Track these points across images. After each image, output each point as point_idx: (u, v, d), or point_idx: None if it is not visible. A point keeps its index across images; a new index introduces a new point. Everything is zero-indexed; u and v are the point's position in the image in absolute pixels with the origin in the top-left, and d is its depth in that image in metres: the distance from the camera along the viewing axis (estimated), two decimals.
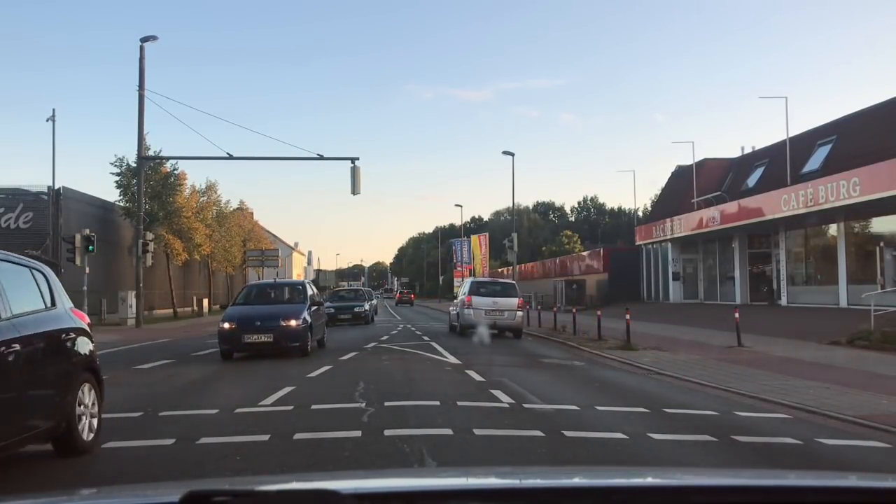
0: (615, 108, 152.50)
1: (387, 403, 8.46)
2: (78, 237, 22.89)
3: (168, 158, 34.19)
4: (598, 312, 20.07)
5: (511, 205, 46.99)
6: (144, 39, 28.14)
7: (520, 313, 21.05)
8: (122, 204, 34.21)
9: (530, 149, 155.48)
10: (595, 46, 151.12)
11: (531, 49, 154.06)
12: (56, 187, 31.27)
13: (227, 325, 14.66)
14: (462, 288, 24.12)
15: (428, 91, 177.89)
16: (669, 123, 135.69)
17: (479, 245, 68.56)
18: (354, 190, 27.06)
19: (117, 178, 33.84)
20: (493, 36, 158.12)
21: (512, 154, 38.12)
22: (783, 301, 28.54)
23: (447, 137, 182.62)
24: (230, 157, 27.67)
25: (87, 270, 23.26)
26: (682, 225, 34.87)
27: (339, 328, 25.56)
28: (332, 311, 26.25)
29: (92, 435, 6.15)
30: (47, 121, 32.83)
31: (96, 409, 6.33)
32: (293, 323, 14.70)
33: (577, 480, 2.17)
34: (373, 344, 18.25)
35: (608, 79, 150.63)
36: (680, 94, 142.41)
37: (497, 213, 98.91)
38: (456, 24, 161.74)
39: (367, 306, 30.25)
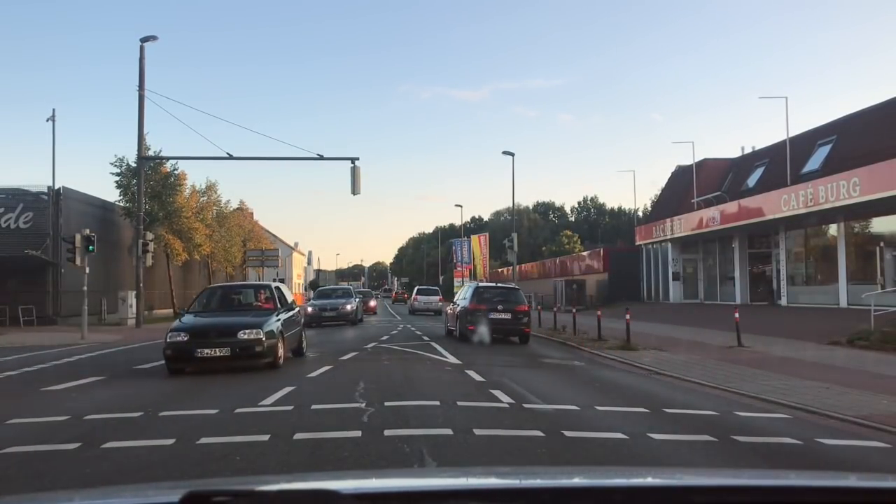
0: (614, 109, 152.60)
1: (387, 403, 8.46)
2: (78, 237, 22.85)
3: (168, 158, 34.20)
4: (598, 312, 20.08)
5: (511, 205, 47.02)
6: (144, 39, 28.14)
7: (440, 303, 38.51)
8: (122, 204, 34.22)
9: (530, 149, 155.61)
10: (593, 47, 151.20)
11: (528, 49, 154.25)
12: (56, 187, 31.30)
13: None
14: (413, 292, 46.26)
15: (425, 91, 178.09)
16: (669, 123, 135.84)
17: (479, 245, 68.57)
18: (354, 190, 27.06)
19: (117, 178, 33.85)
20: (489, 36, 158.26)
21: (512, 154, 38.12)
22: (783, 301, 28.54)
23: (447, 137, 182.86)
24: (230, 157, 27.67)
25: (87, 270, 23.23)
26: (682, 225, 34.87)
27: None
28: (184, 338, 12.33)
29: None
30: (47, 121, 32.88)
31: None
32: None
33: (577, 480, 2.17)
34: (373, 344, 18.26)
35: (607, 79, 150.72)
36: (679, 94, 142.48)
37: (497, 213, 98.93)
38: (452, 24, 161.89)
39: (271, 326, 12.93)
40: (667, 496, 1.78)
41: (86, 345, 19.50)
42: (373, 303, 41.89)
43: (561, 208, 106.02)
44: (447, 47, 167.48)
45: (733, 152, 39.64)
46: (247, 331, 12.35)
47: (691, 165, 36.50)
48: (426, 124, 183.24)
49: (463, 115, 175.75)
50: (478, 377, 11.34)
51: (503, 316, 19.07)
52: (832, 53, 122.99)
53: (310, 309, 26.95)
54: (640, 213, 58.03)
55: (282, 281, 68.87)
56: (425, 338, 20.42)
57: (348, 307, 28.05)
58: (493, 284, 24.74)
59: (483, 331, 18.53)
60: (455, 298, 22.60)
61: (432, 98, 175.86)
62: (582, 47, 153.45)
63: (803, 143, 29.29)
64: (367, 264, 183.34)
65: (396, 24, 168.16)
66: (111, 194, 36.96)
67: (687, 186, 36.98)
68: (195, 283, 47.32)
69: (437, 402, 8.57)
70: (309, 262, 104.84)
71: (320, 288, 32.08)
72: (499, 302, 19.44)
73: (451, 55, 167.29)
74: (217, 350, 12.19)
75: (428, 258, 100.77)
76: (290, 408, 8.34)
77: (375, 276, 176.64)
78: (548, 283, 51.35)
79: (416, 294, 43.30)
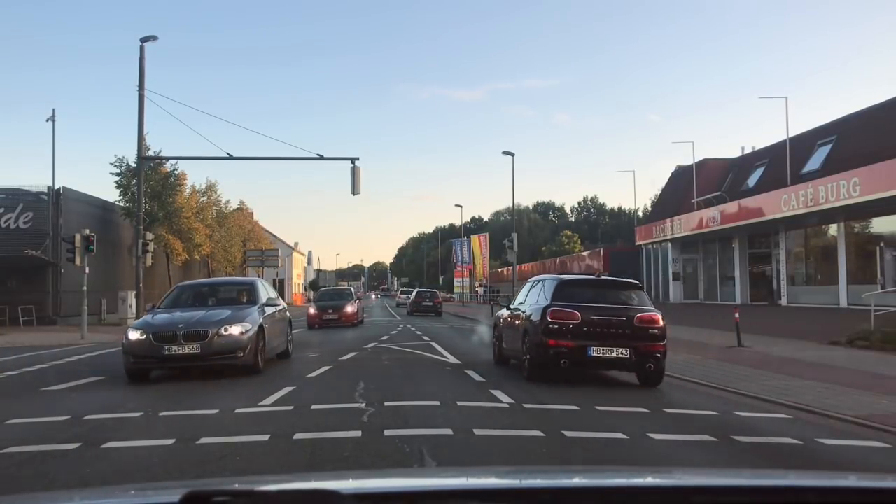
0: (614, 109, 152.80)
1: (387, 403, 8.45)
2: (78, 237, 22.85)
3: (168, 158, 34.21)
4: None
5: (511, 205, 47.02)
6: (144, 39, 28.13)
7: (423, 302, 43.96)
8: (122, 204, 34.23)
9: (529, 149, 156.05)
10: (590, 47, 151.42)
11: (523, 49, 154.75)
12: (56, 187, 31.30)
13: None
14: (403, 290, 70.64)
15: (423, 91, 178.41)
16: (669, 123, 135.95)
17: (479, 245, 68.52)
18: (354, 190, 27.06)
19: (117, 178, 33.88)
20: (483, 37, 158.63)
21: (512, 154, 38.13)
22: (783, 301, 28.54)
23: (446, 138, 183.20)
24: (230, 157, 27.66)
25: (87, 270, 23.24)
26: (682, 225, 34.87)
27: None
28: None
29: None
30: (47, 121, 32.88)
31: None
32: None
33: (577, 480, 2.16)
34: (373, 344, 18.25)
35: (605, 79, 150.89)
36: (679, 94, 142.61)
37: (497, 213, 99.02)
38: (447, 25, 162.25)
39: None
40: (667, 496, 1.78)
41: (86, 345, 19.52)
42: (350, 308, 27.23)
43: (561, 208, 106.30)
44: (442, 48, 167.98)
45: (733, 152, 39.70)
46: None
47: (691, 165, 36.51)
48: (425, 124, 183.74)
49: (461, 115, 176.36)
50: (478, 377, 11.33)
51: (429, 304, 39.91)
52: (832, 53, 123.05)
53: (133, 335, 11.50)
54: (640, 213, 58.06)
55: (281, 281, 66.67)
56: (425, 338, 20.43)
57: (235, 331, 11.64)
58: (425, 289, 48.61)
59: (419, 310, 39.23)
60: (405, 297, 49.65)
61: (430, 98, 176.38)
62: (579, 47, 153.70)
63: (803, 143, 29.29)
64: (367, 264, 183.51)
65: (393, 24, 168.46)
66: (111, 194, 37.00)
67: (687, 186, 36.97)
68: None
69: (437, 403, 8.56)
70: (309, 262, 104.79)
71: (182, 284, 15.58)
72: (427, 297, 41.37)
73: (447, 56, 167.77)
74: None
75: (428, 258, 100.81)
76: (290, 408, 8.34)
77: (375, 276, 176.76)
78: None
79: (399, 293, 69.64)
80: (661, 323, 10.87)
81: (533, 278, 13.12)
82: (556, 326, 10.52)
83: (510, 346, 12.45)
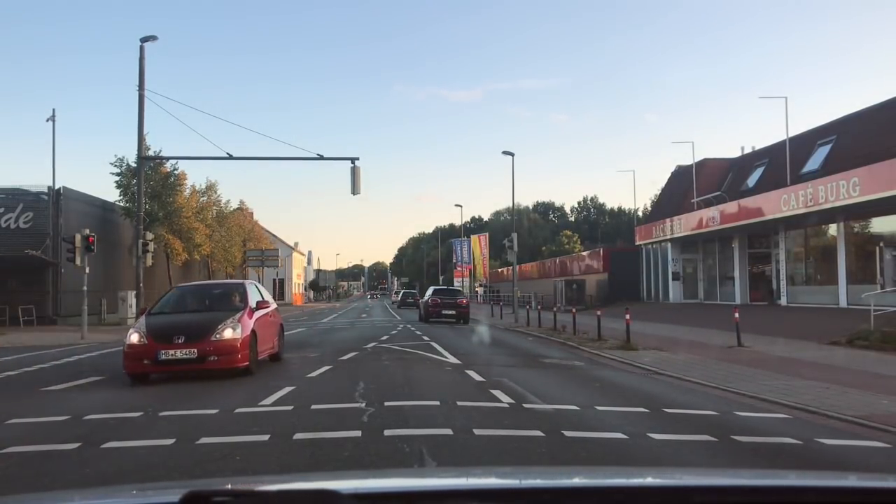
0: (614, 109, 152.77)
1: (387, 403, 8.46)
2: (78, 237, 22.84)
3: (168, 158, 34.20)
4: (598, 312, 20.08)
5: (511, 205, 47.02)
6: (144, 39, 28.12)
7: (407, 299, 59.20)
8: (122, 204, 34.23)
9: (529, 149, 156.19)
10: (590, 47, 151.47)
11: (520, 50, 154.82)
12: (56, 187, 31.30)
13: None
14: (396, 291, 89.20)
15: (420, 92, 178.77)
16: (669, 123, 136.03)
17: (479, 245, 68.55)
18: (354, 190, 27.05)
19: (117, 178, 33.88)
20: (479, 37, 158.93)
21: (512, 154, 38.03)
22: (783, 301, 28.53)
23: (446, 138, 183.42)
24: (230, 157, 27.65)
25: (87, 270, 23.23)
26: (682, 225, 34.86)
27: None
28: None
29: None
30: (47, 121, 32.88)
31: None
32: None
33: (577, 480, 2.17)
34: (373, 344, 18.26)
35: (604, 79, 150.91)
36: (679, 94, 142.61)
37: (497, 213, 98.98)
38: (444, 25, 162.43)
39: None
40: (667, 496, 1.78)
41: (86, 345, 19.51)
42: (229, 332, 11.35)
43: (561, 208, 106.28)
44: (439, 49, 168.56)
45: (733, 152, 39.66)
46: None
47: (691, 165, 36.48)
48: (425, 125, 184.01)
49: (460, 115, 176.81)
50: (478, 377, 11.33)
51: (411, 300, 54.43)
52: (833, 53, 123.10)
53: None
54: (640, 213, 58.07)
55: (281, 281, 66.85)
56: (425, 338, 20.42)
57: None
58: (409, 290, 68.51)
59: (405, 304, 55.32)
60: (397, 297, 68.46)
61: (428, 99, 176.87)
62: (577, 48, 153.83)
63: (803, 143, 29.28)
64: (367, 264, 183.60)
65: (392, 25, 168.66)
66: (111, 194, 36.99)
67: (687, 186, 36.96)
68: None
69: (437, 402, 8.56)
70: (309, 262, 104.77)
71: None
72: (410, 296, 58.83)
73: (444, 56, 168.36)
74: None
75: (428, 258, 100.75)
76: (290, 408, 8.34)
77: (375, 276, 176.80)
78: (548, 283, 51.34)
79: (394, 293, 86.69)
80: (466, 302, 31.26)
81: (431, 287, 37.74)
82: (431, 304, 30.25)
83: (422, 312, 31.59)
